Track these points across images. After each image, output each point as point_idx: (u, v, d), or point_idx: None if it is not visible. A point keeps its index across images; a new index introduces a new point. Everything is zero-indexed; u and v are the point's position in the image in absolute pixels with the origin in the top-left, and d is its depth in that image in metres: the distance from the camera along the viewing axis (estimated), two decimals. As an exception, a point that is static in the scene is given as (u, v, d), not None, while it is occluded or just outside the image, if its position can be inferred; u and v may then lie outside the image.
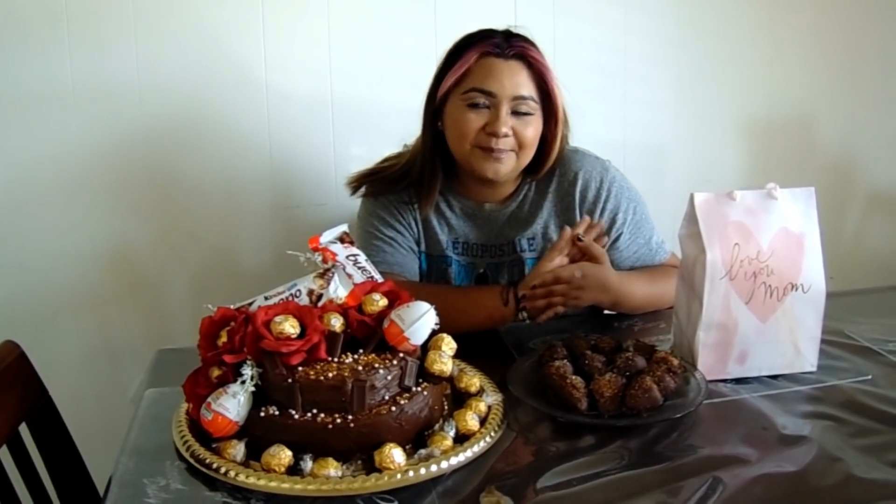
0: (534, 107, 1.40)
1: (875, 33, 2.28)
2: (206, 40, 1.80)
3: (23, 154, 1.75)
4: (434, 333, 1.03)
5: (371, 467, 0.91)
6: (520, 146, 1.40)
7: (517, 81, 1.38)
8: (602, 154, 1.53)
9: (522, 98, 1.38)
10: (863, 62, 2.28)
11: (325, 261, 1.09)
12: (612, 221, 1.48)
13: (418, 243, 1.52)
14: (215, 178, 1.86)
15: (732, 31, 2.15)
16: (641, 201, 1.52)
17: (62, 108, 1.75)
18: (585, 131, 1.55)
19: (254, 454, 0.93)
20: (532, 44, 1.42)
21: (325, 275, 1.07)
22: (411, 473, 0.89)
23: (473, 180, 1.48)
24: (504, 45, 1.39)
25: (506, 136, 1.38)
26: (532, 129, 1.41)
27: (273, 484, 0.88)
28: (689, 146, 2.19)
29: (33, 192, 1.77)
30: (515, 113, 1.39)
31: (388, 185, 1.50)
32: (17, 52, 1.71)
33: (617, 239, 1.49)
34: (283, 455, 0.90)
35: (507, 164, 1.41)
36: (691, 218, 1.19)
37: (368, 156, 1.57)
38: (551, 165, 1.48)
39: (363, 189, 1.53)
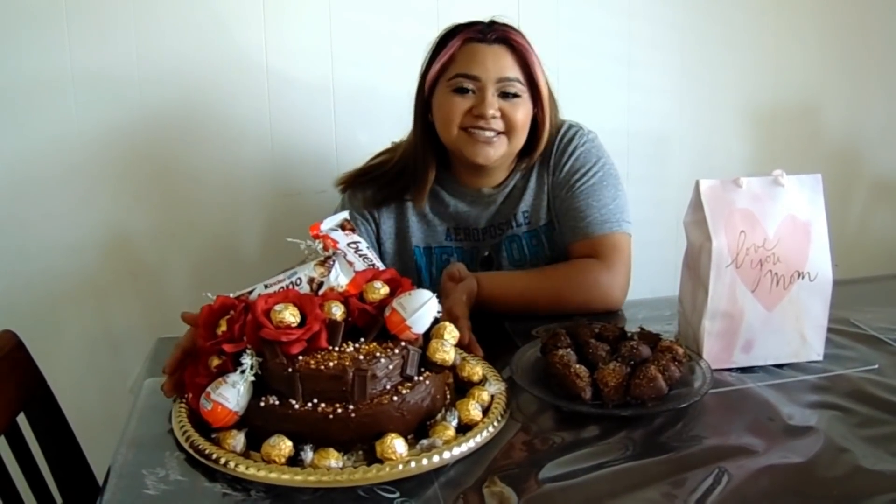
0: (521, 88, 1.40)
1: (881, 20, 2.25)
2: (207, 27, 1.78)
3: (23, 143, 1.74)
4: (436, 322, 1.02)
5: (372, 458, 0.89)
6: (510, 128, 1.40)
7: (501, 64, 1.38)
8: (606, 142, 1.52)
9: (508, 80, 1.38)
10: (868, 49, 2.26)
11: (325, 248, 1.08)
12: (572, 175, 1.46)
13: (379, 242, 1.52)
14: (216, 166, 1.85)
15: (737, 18, 2.13)
16: (612, 174, 1.48)
17: (62, 97, 1.73)
18: (588, 118, 1.54)
19: (254, 444, 0.92)
20: (516, 29, 1.42)
21: (325, 262, 1.06)
22: (413, 464, 0.88)
23: (467, 169, 1.47)
24: (487, 30, 1.40)
25: (493, 117, 1.38)
26: (521, 112, 1.40)
27: (273, 475, 0.87)
28: (694, 133, 2.17)
29: (33, 181, 1.76)
30: (504, 95, 1.39)
31: (378, 182, 1.50)
32: (16, 42, 1.69)
33: (570, 189, 1.46)
34: (284, 445, 0.89)
35: (499, 149, 1.41)
36: (697, 205, 1.17)
37: (369, 142, 1.56)
38: (545, 147, 1.47)
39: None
